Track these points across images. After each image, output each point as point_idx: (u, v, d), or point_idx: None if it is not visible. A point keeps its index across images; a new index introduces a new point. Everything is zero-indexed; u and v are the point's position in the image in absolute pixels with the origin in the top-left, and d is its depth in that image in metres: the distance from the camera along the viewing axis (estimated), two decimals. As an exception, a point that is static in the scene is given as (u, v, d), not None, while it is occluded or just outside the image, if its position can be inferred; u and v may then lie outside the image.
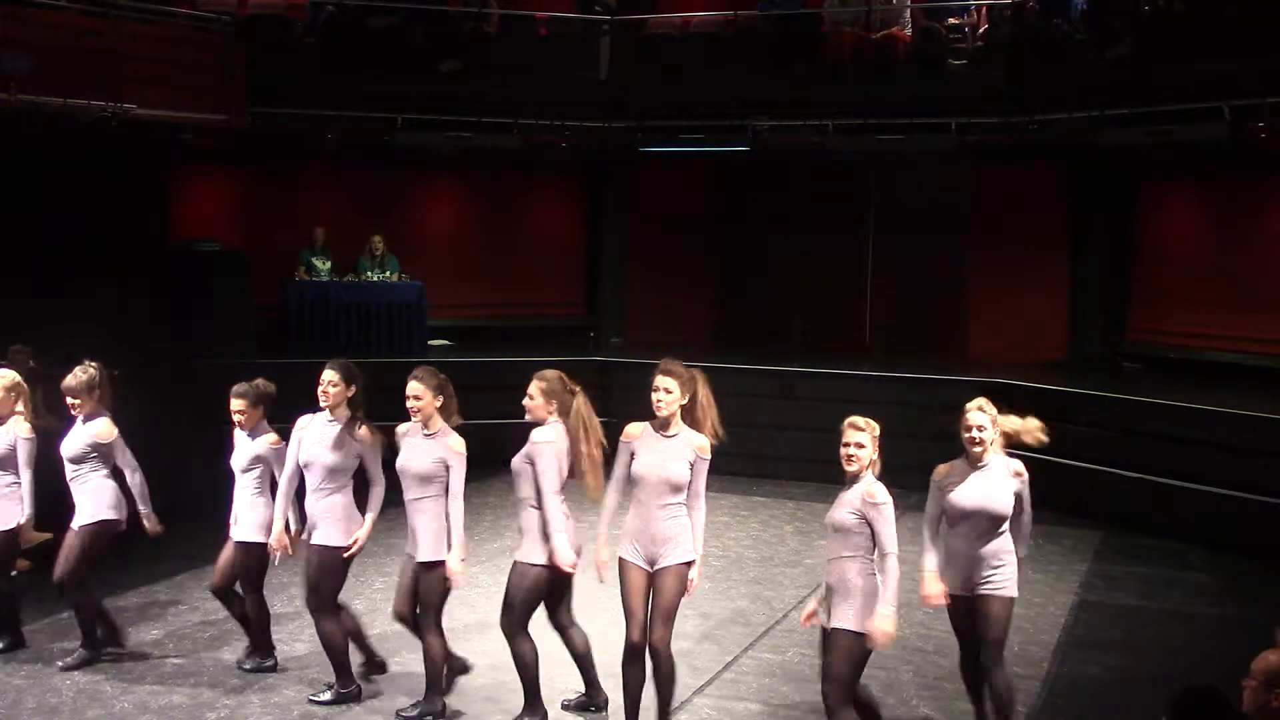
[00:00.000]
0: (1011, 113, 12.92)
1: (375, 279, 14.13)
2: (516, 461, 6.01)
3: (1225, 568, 9.72)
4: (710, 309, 15.78)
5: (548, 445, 5.95)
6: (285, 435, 6.73)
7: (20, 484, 7.12)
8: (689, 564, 5.81)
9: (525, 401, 6.09)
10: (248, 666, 7.03)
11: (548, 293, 15.91)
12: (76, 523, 7.05)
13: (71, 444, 7.09)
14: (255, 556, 6.84)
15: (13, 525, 7.10)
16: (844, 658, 5.42)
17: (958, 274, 14.76)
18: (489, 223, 15.96)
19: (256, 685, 6.76)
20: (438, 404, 6.12)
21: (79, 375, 7.06)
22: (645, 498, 5.81)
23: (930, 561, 5.88)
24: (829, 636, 5.51)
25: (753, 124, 13.64)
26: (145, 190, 13.90)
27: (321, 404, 6.42)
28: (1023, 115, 12.86)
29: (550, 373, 6.17)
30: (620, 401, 10.97)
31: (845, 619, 5.41)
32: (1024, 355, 13.75)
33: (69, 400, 7.07)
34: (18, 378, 7.30)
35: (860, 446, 5.47)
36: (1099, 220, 13.94)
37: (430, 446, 6.10)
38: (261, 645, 7.07)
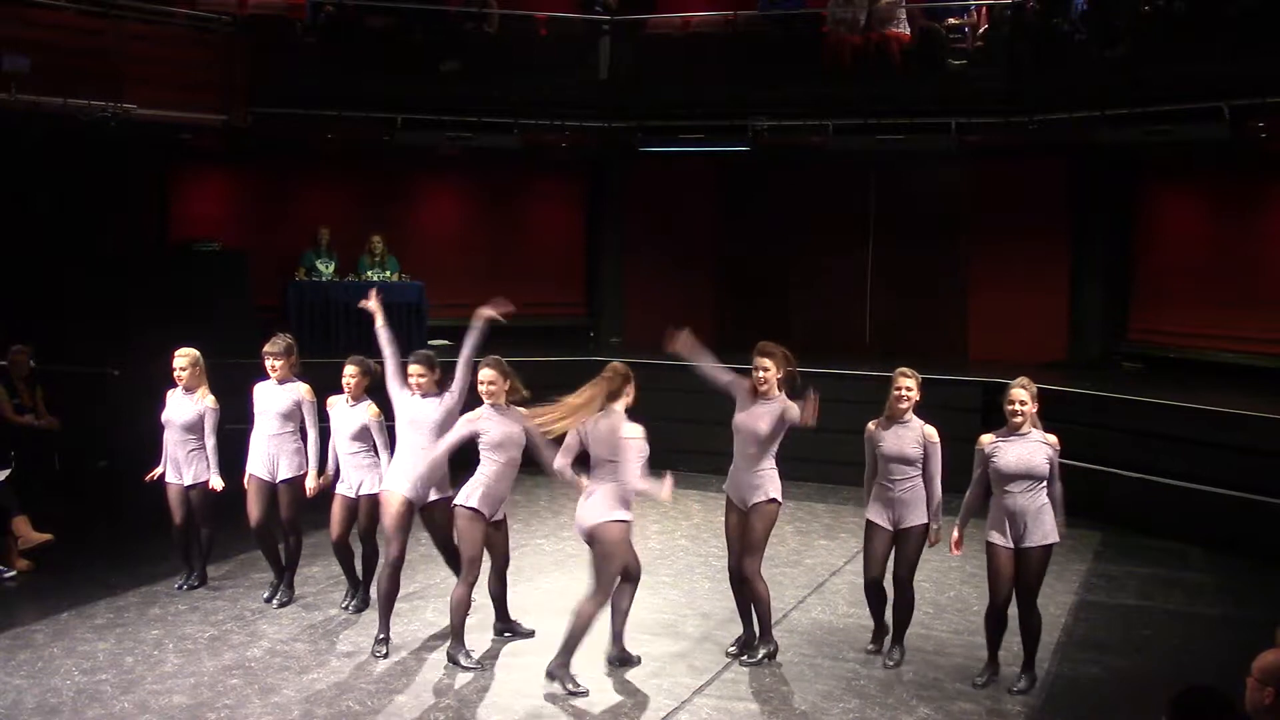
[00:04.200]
0: (1011, 113, 12.91)
1: (375, 279, 14.12)
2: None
3: (1225, 568, 9.71)
4: (710, 309, 15.74)
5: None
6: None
7: (206, 448, 8.13)
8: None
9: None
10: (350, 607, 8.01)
11: (548, 293, 15.86)
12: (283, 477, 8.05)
13: (278, 403, 8.01)
14: (368, 510, 7.79)
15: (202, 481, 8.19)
16: (915, 550, 7.14)
17: (958, 274, 14.75)
18: (489, 222, 15.95)
19: (256, 685, 6.76)
20: (506, 387, 7.28)
21: (279, 342, 8.05)
22: (740, 447, 7.20)
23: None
24: (903, 533, 7.10)
25: (753, 124, 13.63)
26: (145, 190, 13.92)
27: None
28: (1023, 115, 12.85)
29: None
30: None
31: (920, 517, 7.07)
32: (1024, 355, 13.68)
33: (270, 363, 7.99)
34: (198, 354, 8.19)
35: (910, 390, 6.99)
36: (1099, 220, 13.94)
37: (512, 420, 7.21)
38: (361, 586, 8.02)
